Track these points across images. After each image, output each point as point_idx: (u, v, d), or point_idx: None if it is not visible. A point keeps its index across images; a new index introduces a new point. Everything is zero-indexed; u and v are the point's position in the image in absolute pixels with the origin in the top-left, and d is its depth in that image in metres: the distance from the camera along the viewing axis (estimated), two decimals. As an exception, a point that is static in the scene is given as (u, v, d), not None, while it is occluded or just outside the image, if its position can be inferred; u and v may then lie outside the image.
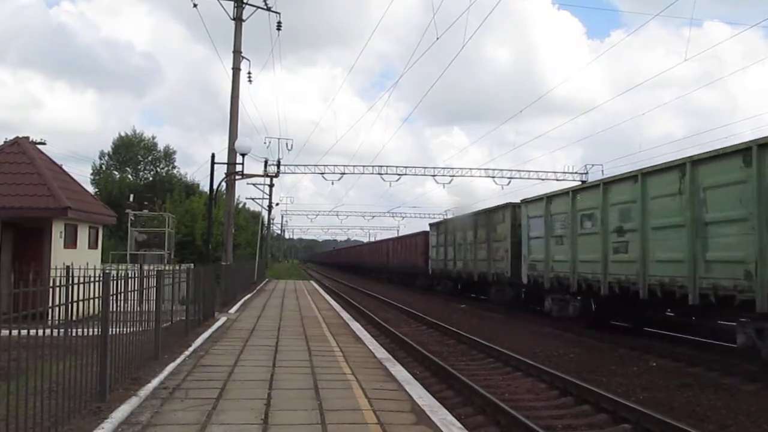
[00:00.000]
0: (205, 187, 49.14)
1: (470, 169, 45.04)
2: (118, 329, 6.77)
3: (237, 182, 24.56)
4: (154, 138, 63.99)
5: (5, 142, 16.89)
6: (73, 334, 5.47)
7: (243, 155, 20.21)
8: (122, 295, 7.05)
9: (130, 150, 61.02)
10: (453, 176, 44.20)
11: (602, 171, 43.62)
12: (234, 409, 6.24)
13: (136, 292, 7.79)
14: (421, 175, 45.53)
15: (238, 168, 21.27)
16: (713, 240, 11.21)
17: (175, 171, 61.86)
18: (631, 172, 14.16)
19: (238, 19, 23.99)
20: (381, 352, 10.51)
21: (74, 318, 5.38)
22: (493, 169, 45.93)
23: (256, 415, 6.01)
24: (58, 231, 14.69)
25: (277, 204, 64.83)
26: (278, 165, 28.58)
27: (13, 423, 4.24)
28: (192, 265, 18.44)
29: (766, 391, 9.29)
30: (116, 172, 60.20)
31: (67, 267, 5.74)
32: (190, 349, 10.00)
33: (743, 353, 10.79)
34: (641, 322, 15.35)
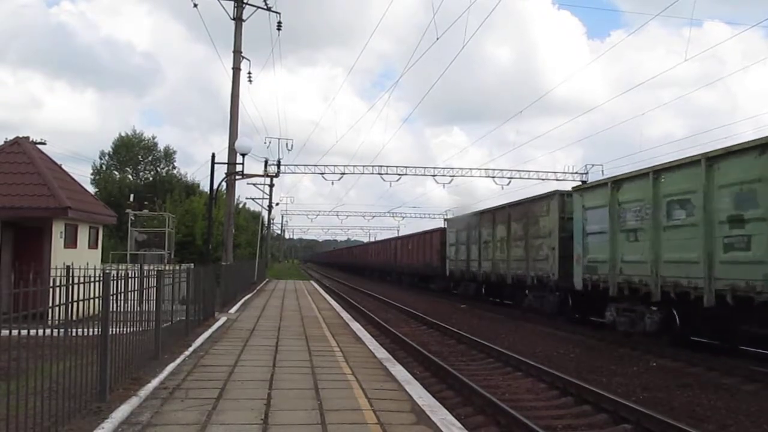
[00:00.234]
0: (205, 187, 49.24)
1: (470, 169, 44.98)
2: (118, 329, 6.77)
3: (237, 182, 24.61)
4: (154, 138, 64.09)
5: (5, 142, 16.89)
6: (73, 334, 5.47)
7: (243, 155, 20.18)
8: (122, 295, 7.05)
9: (130, 150, 61.04)
10: (453, 176, 44.13)
11: (602, 171, 43.58)
12: (234, 409, 6.24)
13: (136, 292, 7.79)
14: (421, 175, 45.43)
15: (238, 168, 21.25)
16: None
17: (175, 171, 61.94)
18: (754, 141, 10.73)
19: (238, 19, 24.00)
20: (381, 352, 10.51)
21: (74, 318, 5.38)
22: (493, 169, 45.87)
23: (256, 415, 6.01)
24: (58, 231, 14.69)
25: (277, 204, 64.73)
26: (278, 165, 28.60)
27: (13, 423, 4.24)
28: (192, 265, 18.45)
29: (766, 391, 9.30)
30: (116, 172, 60.25)
31: (67, 267, 5.74)
32: (190, 349, 10.01)
33: None
34: (737, 339, 12.20)
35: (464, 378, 9.56)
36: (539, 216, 19.22)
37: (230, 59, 24.24)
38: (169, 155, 63.09)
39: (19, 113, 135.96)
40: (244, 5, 24.09)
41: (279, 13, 28.71)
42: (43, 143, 19.68)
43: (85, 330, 5.70)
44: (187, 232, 39.77)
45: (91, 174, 59.61)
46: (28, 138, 17.82)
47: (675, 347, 12.51)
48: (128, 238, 30.64)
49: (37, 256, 13.84)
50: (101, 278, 6.20)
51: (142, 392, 6.64)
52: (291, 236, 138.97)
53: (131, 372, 7.28)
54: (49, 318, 4.92)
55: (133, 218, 31.68)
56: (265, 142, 42.19)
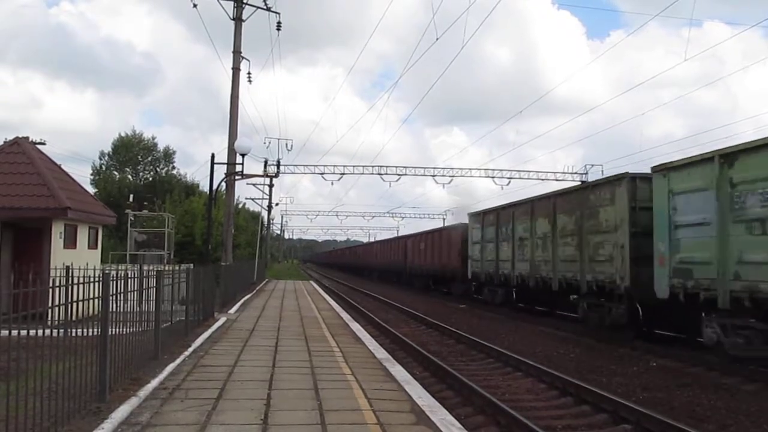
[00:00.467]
0: (204, 187, 49.25)
1: (470, 169, 45.10)
2: (117, 329, 6.77)
3: (237, 182, 24.59)
4: (154, 138, 64.12)
5: (5, 142, 16.90)
6: (73, 334, 5.47)
7: (243, 155, 20.17)
8: (122, 295, 7.05)
9: (129, 150, 61.04)
10: (453, 176, 44.22)
11: (602, 171, 43.60)
12: (234, 410, 6.24)
13: (135, 293, 7.79)
14: (421, 175, 45.53)
15: (238, 168, 21.24)
16: None
17: (174, 171, 61.93)
18: None
19: (237, 19, 24.00)
20: (381, 353, 10.51)
21: (74, 318, 5.37)
22: (493, 169, 45.95)
23: (255, 416, 6.01)
24: (57, 231, 14.68)
25: (277, 204, 64.72)
26: (278, 165, 28.65)
27: (13, 423, 4.24)
28: (191, 265, 18.44)
29: (766, 391, 9.30)
30: (116, 173, 60.23)
31: (67, 267, 5.73)
32: (190, 349, 10.00)
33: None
34: None
35: (464, 378, 9.56)
36: (599, 206, 15.24)
37: (230, 59, 24.25)
38: (168, 155, 63.15)
39: (19, 113, 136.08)
40: (243, 5, 24.09)
41: (279, 13, 28.71)
42: (43, 143, 19.67)
43: (85, 330, 5.70)
44: (186, 232, 39.75)
45: (91, 174, 59.66)
46: (27, 138, 17.82)
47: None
48: (128, 238, 30.63)
49: (36, 256, 13.85)
50: (101, 279, 6.19)
51: (141, 392, 6.64)
52: (290, 236, 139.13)
53: (131, 372, 7.27)
54: (49, 318, 4.92)
55: (132, 218, 31.67)
56: (264, 142, 42.16)
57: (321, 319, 16.07)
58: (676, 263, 12.11)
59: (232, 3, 23.93)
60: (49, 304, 4.96)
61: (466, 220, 30.57)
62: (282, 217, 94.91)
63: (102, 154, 62.20)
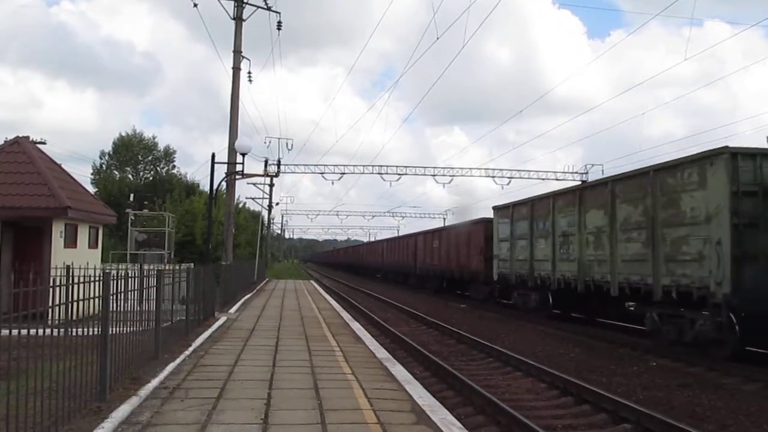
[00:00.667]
0: (205, 186, 49.24)
1: (470, 168, 44.97)
2: (118, 329, 6.77)
3: (237, 182, 24.61)
4: (154, 138, 64.07)
5: (5, 141, 16.90)
6: (73, 333, 5.47)
7: (243, 155, 20.16)
8: (122, 294, 7.05)
9: (130, 150, 61.03)
10: (453, 176, 44.13)
11: (602, 171, 43.57)
12: (234, 409, 6.24)
13: (136, 292, 7.79)
14: (421, 174, 45.46)
15: (238, 168, 21.24)
16: None
17: (175, 171, 61.93)
18: None
19: (238, 19, 24.00)
20: (381, 352, 10.51)
21: (74, 318, 5.38)
22: (493, 169, 45.93)
23: (256, 415, 6.01)
24: (58, 231, 14.69)
25: (277, 204, 64.75)
26: (278, 165, 28.58)
27: (13, 423, 4.24)
28: (192, 264, 18.45)
29: (766, 391, 9.30)
30: (116, 172, 60.22)
31: (67, 267, 5.74)
32: (190, 348, 10.01)
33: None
34: None
35: (464, 378, 9.56)
36: (681, 191, 12.35)
37: (230, 59, 24.26)
38: (168, 155, 63.14)
39: (19, 113, 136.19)
40: (244, 5, 24.09)
41: (279, 13, 28.73)
42: (43, 143, 19.71)
43: (85, 330, 5.70)
44: (187, 231, 39.76)
45: (91, 174, 59.65)
46: (28, 138, 17.83)
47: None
48: (128, 237, 30.65)
49: (37, 255, 13.85)
50: (101, 278, 6.20)
51: (142, 392, 6.64)
52: (291, 236, 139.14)
53: (131, 372, 7.28)
54: (49, 318, 4.92)
55: (133, 218, 31.70)
56: (265, 142, 42.25)
57: (321, 319, 16.07)
58: None
59: (233, 3, 23.94)
60: (50, 304, 4.96)
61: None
62: (282, 216, 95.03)
63: (102, 154, 62.27)
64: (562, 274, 17.31)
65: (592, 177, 38.88)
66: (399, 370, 8.75)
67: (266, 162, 26.16)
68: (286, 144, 54.23)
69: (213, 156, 20.23)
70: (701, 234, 11.69)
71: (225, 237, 25.46)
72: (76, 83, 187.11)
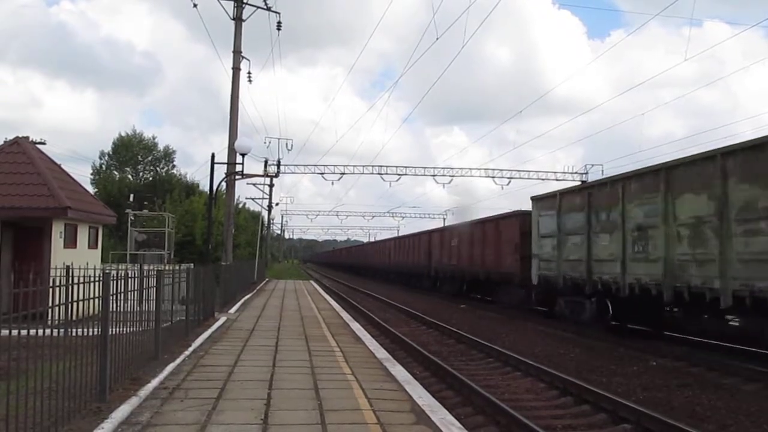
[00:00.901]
0: (205, 187, 49.23)
1: (470, 169, 45.00)
2: (118, 329, 6.77)
3: (237, 182, 24.61)
4: (154, 138, 64.10)
5: (5, 141, 16.90)
6: (73, 334, 5.47)
7: (243, 155, 20.16)
8: (122, 295, 7.05)
9: (129, 150, 61.06)
10: (453, 176, 44.14)
11: (602, 171, 43.56)
12: (234, 409, 6.24)
13: (136, 292, 7.80)
14: (421, 175, 45.48)
15: (238, 168, 21.24)
16: None
17: (174, 171, 61.94)
18: None
19: (238, 19, 24.01)
20: (381, 352, 10.51)
21: (74, 318, 5.38)
22: (493, 169, 45.88)
23: (256, 415, 6.01)
24: (58, 231, 14.69)
25: (277, 204, 64.74)
26: (278, 165, 28.62)
27: (13, 423, 4.24)
28: (192, 265, 18.45)
29: (766, 391, 9.30)
30: (116, 172, 60.24)
31: (67, 267, 5.74)
32: (190, 349, 10.01)
33: None
34: None
35: (464, 378, 9.57)
36: None
37: (230, 59, 24.26)
38: (168, 155, 63.16)
39: (19, 113, 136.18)
40: (243, 5, 24.10)
41: (279, 13, 28.65)
42: (43, 143, 19.65)
43: (85, 330, 5.70)
44: (186, 232, 39.77)
45: (91, 174, 59.67)
46: (27, 138, 17.82)
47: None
48: (128, 238, 30.64)
49: (37, 256, 13.85)
50: (101, 278, 6.20)
51: (141, 392, 6.65)
52: (291, 236, 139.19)
53: (131, 372, 7.28)
54: (49, 318, 4.92)
55: (132, 218, 31.69)
56: (265, 142, 42.18)
57: (321, 319, 16.08)
58: None
59: (232, 3, 23.95)
60: (50, 304, 4.97)
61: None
62: (282, 216, 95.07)
63: (102, 154, 62.29)
64: (637, 277, 13.52)
65: (592, 177, 38.83)
66: (399, 371, 8.75)
67: (266, 162, 26.19)
68: (286, 144, 54.33)
69: (213, 156, 20.25)
70: None
71: (225, 237, 25.47)
72: (76, 83, 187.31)
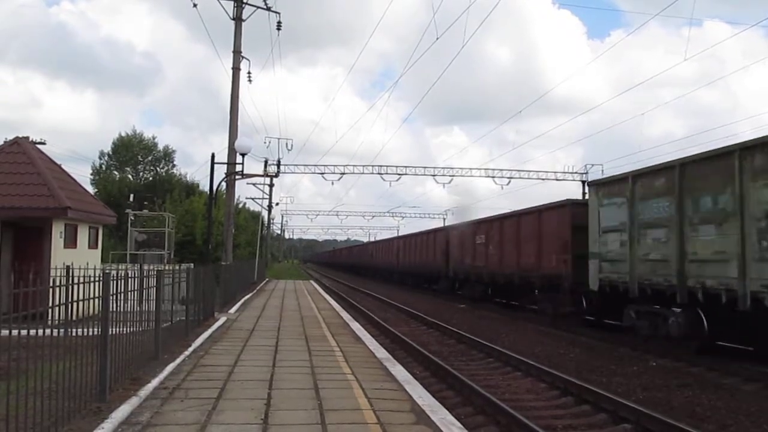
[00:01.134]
0: (205, 186, 49.23)
1: (470, 168, 44.98)
2: (118, 329, 6.77)
3: (237, 182, 24.60)
4: (154, 138, 64.10)
5: (5, 142, 16.90)
6: (73, 334, 5.47)
7: (243, 155, 20.15)
8: (122, 295, 7.05)
9: (129, 150, 61.06)
10: (453, 176, 44.12)
11: (602, 171, 43.50)
12: (234, 409, 6.24)
13: (136, 292, 7.80)
14: (421, 174, 45.45)
15: (238, 168, 21.23)
16: None
17: (174, 171, 61.95)
18: None
19: (238, 19, 24.00)
20: (381, 352, 10.51)
21: (74, 318, 5.38)
22: (493, 169, 45.87)
23: (256, 415, 6.01)
24: (58, 231, 14.69)
25: (277, 204, 64.80)
26: (278, 165, 28.60)
27: (13, 423, 4.24)
28: (192, 265, 18.45)
29: (766, 391, 9.30)
30: (116, 172, 60.24)
31: (67, 267, 5.74)
32: (190, 349, 10.01)
33: None
34: None
35: (464, 378, 9.56)
36: None
37: (230, 59, 24.25)
38: (168, 155, 63.16)
39: (19, 113, 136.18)
40: (243, 5, 24.09)
41: (279, 13, 28.64)
42: (43, 143, 19.64)
43: (85, 330, 5.70)
44: (186, 232, 39.76)
45: (91, 174, 59.66)
46: (27, 138, 17.82)
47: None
48: (128, 238, 30.63)
49: (37, 256, 13.86)
50: (101, 278, 6.20)
51: (142, 392, 6.65)
52: (291, 236, 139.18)
53: (131, 372, 7.28)
54: (49, 318, 4.92)
55: (132, 218, 31.69)
56: (265, 142, 42.14)
57: (321, 319, 16.08)
58: None
59: (232, 3, 23.94)
60: (50, 304, 4.96)
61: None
62: (282, 216, 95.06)
63: (102, 154, 62.27)
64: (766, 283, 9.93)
65: (592, 177, 38.72)
66: (399, 370, 8.75)
67: (266, 162, 26.24)
68: (286, 144, 54.11)
69: (213, 156, 20.25)
70: None
71: (225, 237, 25.45)
72: (76, 83, 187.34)
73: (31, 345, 4.59)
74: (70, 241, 15.42)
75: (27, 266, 4.95)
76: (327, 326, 14.35)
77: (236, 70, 23.99)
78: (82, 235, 16.22)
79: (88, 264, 10.48)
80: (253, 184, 48.19)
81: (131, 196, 42.02)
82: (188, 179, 56.98)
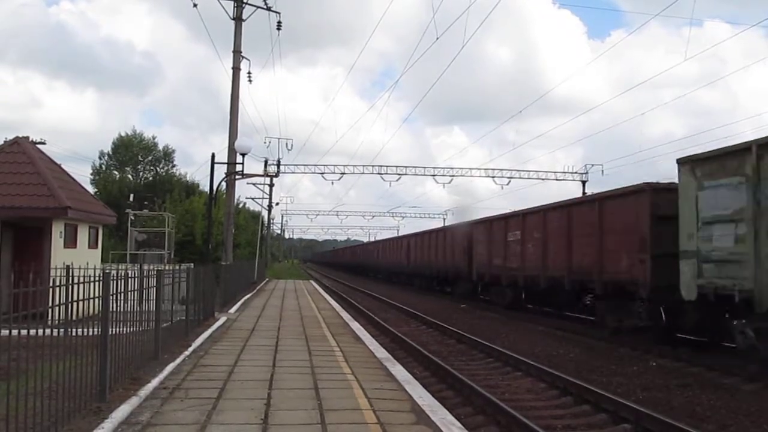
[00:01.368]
0: (205, 186, 49.26)
1: (470, 169, 45.03)
2: (118, 329, 6.77)
3: (237, 182, 24.61)
4: (154, 138, 64.15)
5: (5, 142, 16.90)
6: (73, 334, 5.47)
7: (243, 155, 20.16)
8: (122, 295, 7.05)
9: (129, 150, 61.11)
10: (453, 176, 44.20)
11: (602, 171, 43.61)
12: (234, 409, 6.24)
13: (136, 292, 7.80)
14: (421, 175, 45.58)
15: (238, 168, 21.25)
16: None
17: (174, 171, 62.00)
18: None
19: (238, 19, 24.01)
20: (381, 352, 10.51)
21: (74, 318, 5.38)
22: (493, 169, 45.90)
23: (256, 415, 6.01)
24: (58, 231, 14.70)
25: (277, 204, 64.88)
26: (278, 165, 28.69)
27: (13, 423, 4.24)
28: (192, 264, 18.45)
29: (766, 391, 9.30)
30: (116, 172, 60.29)
31: (67, 267, 5.74)
32: (190, 349, 10.01)
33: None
34: None
35: (464, 378, 9.56)
36: None
37: (230, 59, 24.27)
38: (168, 155, 63.20)
39: (19, 113, 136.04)
40: (243, 5, 24.11)
41: (279, 13, 28.61)
42: (43, 143, 19.67)
43: (85, 330, 5.70)
44: (186, 231, 39.83)
45: (91, 174, 59.74)
46: (27, 138, 17.82)
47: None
48: (128, 238, 30.67)
49: (37, 256, 13.86)
50: (101, 278, 6.20)
51: (142, 392, 6.65)
52: (291, 236, 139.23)
53: (131, 372, 7.28)
54: (49, 318, 4.92)
55: (132, 218, 31.72)
56: (265, 142, 42.08)
57: (321, 319, 16.08)
58: None
59: (232, 3, 23.95)
60: (50, 304, 4.97)
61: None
62: (282, 216, 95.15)
63: (102, 154, 62.35)
64: None
65: (592, 177, 38.71)
66: (399, 370, 8.75)
67: (266, 162, 26.27)
68: (286, 144, 54.11)
69: (213, 156, 20.25)
70: None
71: (225, 237, 25.47)
72: (76, 83, 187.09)
73: (31, 345, 4.59)
74: (70, 241, 15.42)
75: (27, 266, 4.95)
76: (327, 326, 14.35)
77: (236, 70, 24.00)
78: (82, 235, 16.22)
79: (88, 264, 10.47)
80: (253, 184, 48.23)
81: (131, 196, 42.09)
82: (188, 179, 57.13)
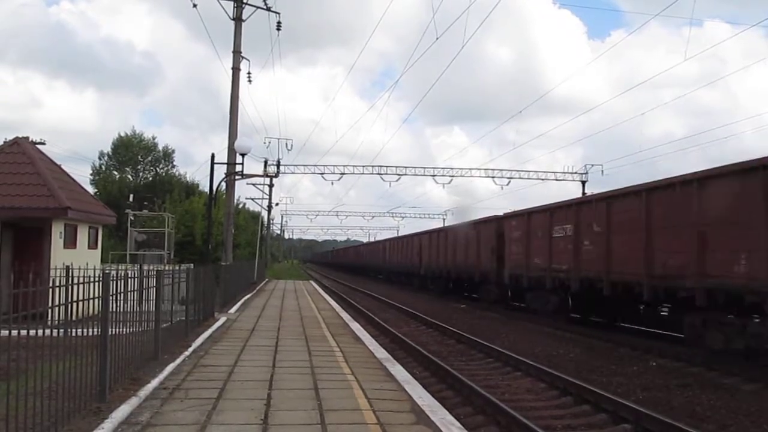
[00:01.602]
0: (204, 187, 49.25)
1: (470, 169, 45.01)
2: (117, 329, 6.77)
3: (237, 182, 24.61)
4: (154, 138, 64.13)
5: (5, 142, 16.91)
6: (73, 334, 5.47)
7: (243, 155, 20.14)
8: (122, 295, 7.05)
9: (129, 150, 61.09)
10: (453, 176, 44.17)
11: (602, 171, 43.59)
12: (234, 409, 6.24)
13: (135, 292, 7.80)
14: (421, 175, 45.53)
15: (238, 168, 21.23)
16: None
17: (174, 171, 61.99)
18: None
19: (237, 19, 24.01)
20: (381, 352, 10.51)
21: (74, 318, 5.38)
22: (493, 169, 45.84)
23: (255, 415, 6.01)
24: (57, 231, 14.70)
25: (277, 204, 64.78)
26: (278, 165, 28.69)
27: (13, 423, 4.24)
28: (192, 265, 18.45)
29: (766, 391, 9.30)
30: (116, 173, 60.28)
31: (67, 267, 5.73)
32: (190, 349, 10.01)
33: None
34: None
35: (464, 378, 9.57)
36: None
37: (230, 59, 24.25)
38: (168, 155, 63.19)
39: (19, 113, 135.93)
40: (243, 5, 24.10)
41: (279, 13, 28.55)
42: (43, 143, 19.64)
43: (85, 330, 5.70)
44: (186, 232, 39.80)
45: (91, 174, 59.69)
46: (27, 138, 17.81)
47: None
48: (128, 238, 30.65)
49: (37, 256, 13.86)
50: (101, 278, 6.20)
51: (141, 392, 6.65)
52: (290, 236, 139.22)
53: (131, 372, 7.28)
54: (49, 318, 4.92)
55: (132, 218, 31.70)
56: (264, 142, 42.07)
57: (321, 319, 16.08)
58: None
59: (232, 3, 23.93)
60: (49, 304, 4.96)
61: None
62: (282, 217, 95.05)
63: (102, 154, 62.31)
64: None
65: (592, 177, 38.69)
66: (398, 370, 8.75)
67: (266, 162, 26.19)
68: (286, 144, 54.09)
69: (213, 156, 20.23)
70: None
71: (225, 237, 25.46)
72: (76, 83, 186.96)
73: (31, 345, 4.59)
74: (70, 242, 15.42)
75: (27, 266, 4.95)
76: (327, 326, 14.35)
77: (236, 70, 23.99)
78: (82, 235, 16.22)
79: (87, 264, 10.46)
80: (253, 185, 48.19)
81: (131, 196, 42.06)
82: (188, 179, 57.09)
